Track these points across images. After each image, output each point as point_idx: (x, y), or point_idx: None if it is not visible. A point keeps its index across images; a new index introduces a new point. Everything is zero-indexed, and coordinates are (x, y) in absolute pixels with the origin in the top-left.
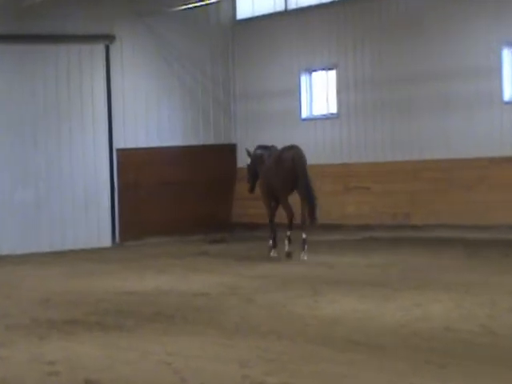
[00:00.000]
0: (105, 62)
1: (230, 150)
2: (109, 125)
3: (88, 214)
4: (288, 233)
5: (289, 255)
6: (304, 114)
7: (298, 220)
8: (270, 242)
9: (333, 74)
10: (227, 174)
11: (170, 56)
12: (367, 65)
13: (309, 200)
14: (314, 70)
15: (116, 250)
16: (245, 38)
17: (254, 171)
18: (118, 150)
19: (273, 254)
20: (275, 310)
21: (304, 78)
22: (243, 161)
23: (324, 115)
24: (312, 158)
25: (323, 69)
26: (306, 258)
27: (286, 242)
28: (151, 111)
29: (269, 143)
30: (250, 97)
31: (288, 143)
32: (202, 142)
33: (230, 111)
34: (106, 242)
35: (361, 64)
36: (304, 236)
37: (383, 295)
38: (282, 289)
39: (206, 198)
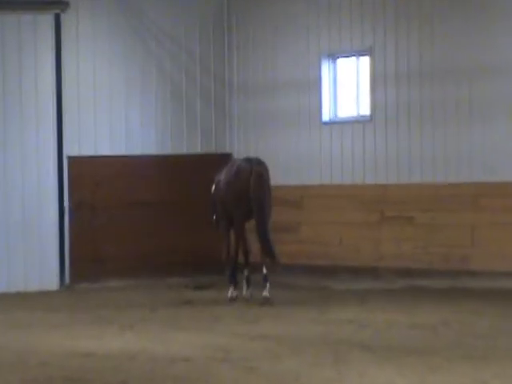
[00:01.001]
0: (54, 38)
1: (223, 161)
2: (58, 123)
3: (27, 245)
4: (245, 272)
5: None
6: (326, 115)
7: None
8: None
9: (366, 61)
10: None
11: (144, 31)
12: (414, 50)
13: (259, 233)
14: (340, 56)
15: (65, 294)
16: (246, 10)
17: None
18: (69, 157)
19: (231, 293)
20: (284, 383)
21: (326, 67)
22: None
23: (353, 118)
24: (335, 176)
25: (353, 54)
26: (268, 296)
27: (244, 283)
28: (117, 106)
29: (275, 154)
30: (252, 91)
31: (304, 154)
32: (185, 151)
33: (225, 109)
34: (52, 283)
35: (405, 49)
36: (265, 271)
37: (431, 367)
38: (293, 354)
39: (189, 226)
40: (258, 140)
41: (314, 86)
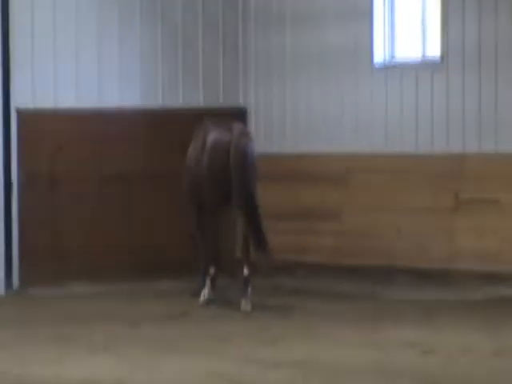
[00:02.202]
0: None
1: (233, 119)
2: (3, 63)
3: None
4: (211, 270)
5: (207, 302)
6: (379, 56)
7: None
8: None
9: None
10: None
11: None
12: None
13: (250, 220)
14: None
15: (12, 303)
16: None
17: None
18: (19, 111)
19: (203, 297)
20: None
21: None
22: (259, 140)
23: (417, 60)
24: (392, 143)
25: None
26: (249, 308)
27: (208, 283)
28: (86, 40)
29: (307, 110)
30: (277, 20)
31: (349, 111)
32: (181, 104)
33: (237, 46)
34: None
35: None
36: (246, 273)
37: None
38: None
39: (185, 210)
40: (284, 90)
41: (363, 15)
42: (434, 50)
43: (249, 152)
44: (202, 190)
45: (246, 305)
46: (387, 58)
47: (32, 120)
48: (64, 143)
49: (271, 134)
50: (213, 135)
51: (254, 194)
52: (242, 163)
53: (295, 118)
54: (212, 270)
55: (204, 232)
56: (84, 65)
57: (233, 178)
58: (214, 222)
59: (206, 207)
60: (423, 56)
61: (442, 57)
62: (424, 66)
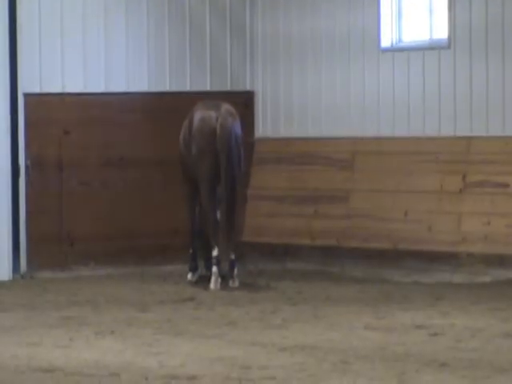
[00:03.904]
0: None
1: (242, 103)
2: (10, 49)
3: None
4: (214, 252)
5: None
6: (386, 39)
7: None
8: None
9: None
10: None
11: None
12: None
13: (226, 198)
14: None
15: (20, 286)
16: None
17: None
18: (27, 96)
19: (190, 277)
20: None
21: None
22: (266, 124)
23: (424, 43)
24: (400, 126)
25: None
26: (236, 284)
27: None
28: (93, 26)
29: (315, 94)
30: (284, 4)
31: (356, 94)
32: (189, 88)
33: (245, 30)
34: (2, 271)
35: None
36: (232, 257)
37: None
38: (337, 373)
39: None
40: (291, 74)
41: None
42: (442, 34)
43: (233, 131)
44: (195, 173)
45: (233, 283)
46: (394, 41)
47: (39, 105)
48: (71, 128)
49: (278, 119)
50: (198, 115)
51: (236, 176)
52: (227, 143)
53: (302, 103)
54: (215, 252)
55: (204, 216)
56: (91, 50)
57: (219, 158)
58: (212, 204)
59: (201, 189)
60: (430, 39)
61: (449, 40)
62: (431, 49)
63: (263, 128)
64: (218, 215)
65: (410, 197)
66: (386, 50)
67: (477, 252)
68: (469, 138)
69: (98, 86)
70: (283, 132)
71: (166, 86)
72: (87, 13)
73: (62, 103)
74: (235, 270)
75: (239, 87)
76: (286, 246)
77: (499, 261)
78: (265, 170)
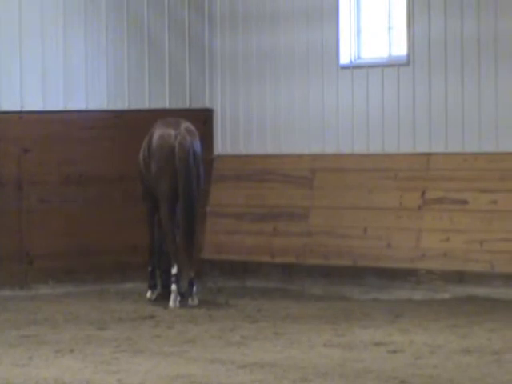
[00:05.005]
0: None
1: (201, 120)
2: None
3: None
4: (173, 270)
5: (182, 296)
6: (345, 56)
7: None
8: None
9: None
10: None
11: None
12: None
13: (183, 220)
14: None
15: None
16: None
17: None
18: None
19: (150, 295)
20: None
21: None
22: (226, 142)
23: (383, 60)
24: (359, 142)
25: None
26: (196, 302)
27: (158, 282)
28: (52, 42)
29: (274, 111)
30: (243, 23)
31: (315, 111)
32: (148, 106)
33: (204, 48)
34: None
35: None
36: (191, 274)
37: None
38: None
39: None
40: (250, 91)
41: (328, 14)
42: (400, 50)
43: (192, 150)
44: (154, 191)
45: (192, 300)
46: (353, 58)
47: None
48: (31, 146)
49: (237, 136)
50: (158, 133)
51: (195, 194)
52: (186, 161)
53: (261, 120)
54: (174, 270)
55: (164, 233)
56: (50, 68)
57: (178, 176)
58: (172, 221)
59: (161, 207)
60: (389, 56)
61: (408, 56)
62: (390, 66)
63: (222, 145)
64: (178, 233)
65: (369, 213)
66: (345, 67)
67: (436, 269)
68: (428, 155)
69: (57, 103)
70: (242, 149)
71: (125, 103)
72: (45, 31)
73: (20, 121)
74: (194, 288)
75: (198, 105)
76: (246, 263)
77: (458, 277)
78: (224, 188)
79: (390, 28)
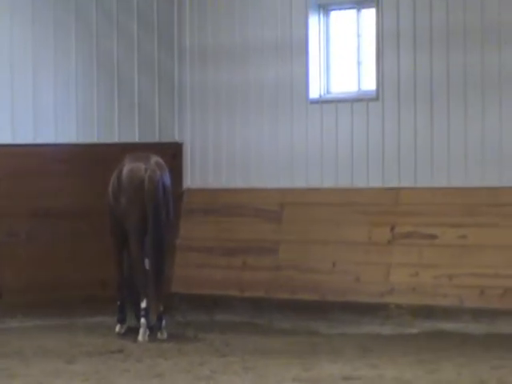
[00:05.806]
0: None
1: (171, 154)
2: None
3: None
4: (143, 304)
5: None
6: (314, 91)
7: None
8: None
9: (370, 14)
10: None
11: None
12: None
13: (153, 249)
14: (335, 8)
15: None
16: None
17: None
18: None
19: (119, 329)
20: None
21: (315, 23)
22: (195, 176)
23: (352, 94)
24: (328, 177)
25: (352, 6)
26: (165, 336)
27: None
28: (21, 76)
29: (244, 145)
30: (212, 58)
31: (284, 145)
32: (117, 140)
33: (173, 83)
34: None
35: None
36: (161, 308)
37: None
38: None
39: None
40: (220, 125)
41: (298, 49)
42: (370, 85)
43: (161, 183)
44: (124, 224)
45: (161, 334)
46: (322, 93)
47: None
48: None
49: (207, 169)
50: (127, 166)
51: (163, 228)
52: (155, 195)
53: (230, 154)
54: (144, 303)
55: (133, 267)
56: (19, 101)
57: (148, 209)
58: (141, 255)
59: (130, 240)
60: (358, 90)
61: (377, 91)
62: (359, 101)
63: (192, 179)
64: (147, 266)
65: (338, 248)
66: (314, 102)
67: (405, 303)
68: (397, 189)
69: (26, 137)
70: (212, 183)
71: (95, 137)
72: (15, 65)
73: None
74: (163, 322)
75: (168, 138)
76: (215, 297)
77: (427, 312)
78: (194, 221)
79: (359, 63)
